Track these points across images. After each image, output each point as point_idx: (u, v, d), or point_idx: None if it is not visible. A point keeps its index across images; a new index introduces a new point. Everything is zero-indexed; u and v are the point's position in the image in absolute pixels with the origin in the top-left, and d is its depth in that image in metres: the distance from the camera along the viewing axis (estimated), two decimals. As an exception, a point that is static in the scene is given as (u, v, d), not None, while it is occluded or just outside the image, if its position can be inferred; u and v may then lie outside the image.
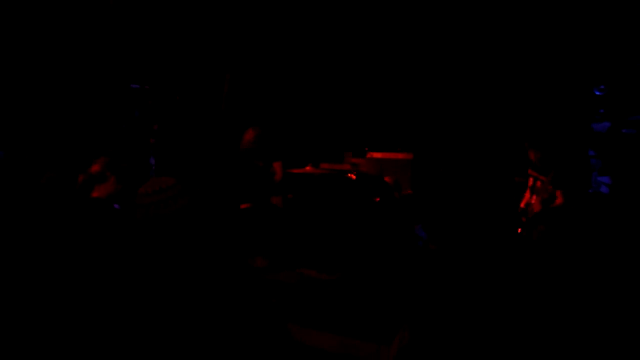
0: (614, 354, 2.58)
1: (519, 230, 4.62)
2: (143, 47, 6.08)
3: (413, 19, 5.97)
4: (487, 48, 5.91)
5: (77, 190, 2.57)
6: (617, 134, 5.46)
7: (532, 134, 5.20)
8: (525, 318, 2.90)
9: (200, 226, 2.24)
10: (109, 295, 1.88)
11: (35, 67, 5.43)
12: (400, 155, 5.60)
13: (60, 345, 1.80)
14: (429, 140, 6.10)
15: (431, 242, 3.75)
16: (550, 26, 5.57)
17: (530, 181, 4.65)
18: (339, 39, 6.20)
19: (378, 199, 4.47)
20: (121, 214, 2.39)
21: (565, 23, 5.52)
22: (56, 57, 5.54)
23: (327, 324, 2.19)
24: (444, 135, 6.13)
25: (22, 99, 5.34)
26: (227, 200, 2.74)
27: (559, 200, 4.36)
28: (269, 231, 2.70)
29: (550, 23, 5.56)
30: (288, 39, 6.24)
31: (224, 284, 1.97)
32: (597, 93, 5.59)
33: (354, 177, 5.51)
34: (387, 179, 4.70)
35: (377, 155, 5.61)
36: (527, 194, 4.70)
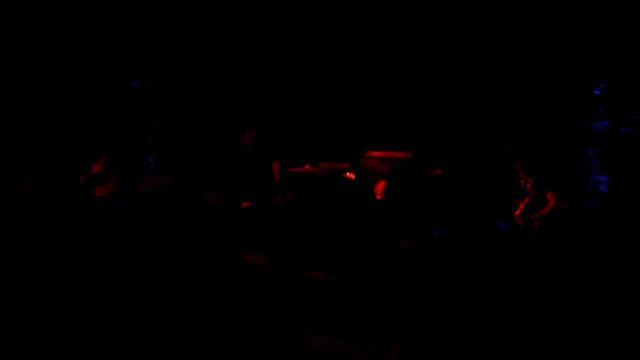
0: (614, 353, 2.59)
1: (518, 229, 4.64)
2: (141, 45, 6.07)
3: (412, 19, 5.97)
4: (486, 48, 5.91)
5: (79, 190, 2.57)
6: (616, 133, 5.47)
7: (530, 135, 5.22)
8: (525, 316, 2.90)
9: (200, 224, 2.24)
10: (109, 294, 1.88)
11: (33, 66, 5.41)
12: (399, 154, 5.60)
13: (60, 345, 1.80)
14: (427, 140, 6.10)
15: (404, 240, 3.74)
16: (550, 26, 5.57)
17: (522, 183, 4.67)
18: (338, 39, 6.19)
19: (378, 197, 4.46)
20: (122, 213, 2.39)
21: (564, 23, 5.53)
22: (54, 56, 5.52)
23: (328, 327, 2.19)
24: (442, 134, 6.13)
25: (19, 97, 5.32)
26: (227, 199, 2.73)
27: (550, 203, 4.39)
28: (269, 229, 2.70)
29: (550, 23, 5.56)
30: (288, 38, 6.23)
31: (223, 282, 1.97)
32: (597, 92, 5.60)
33: (352, 176, 5.52)
34: (382, 183, 4.68)
35: (377, 154, 5.60)
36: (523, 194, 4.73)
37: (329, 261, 2.69)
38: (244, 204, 2.75)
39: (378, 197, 4.46)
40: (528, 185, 4.50)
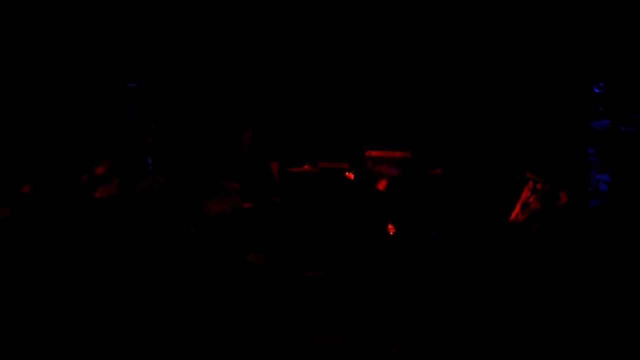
0: (614, 352, 2.59)
1: (517, 226, 4.64)
2: (140, 46, 6.06)
3: (411, 19, 5.96)
4: (486, 46, 5.90)
5: (81, 191, 2.59)
6: (617, 131, 5.46)
7: (530, 134, 5.21)
8: (524, 312, 2.90)
9: (198, 224, 2.22)
10: (110, 294, 1.87)
11: (32, 67, 5.40)
12: (397, 154, 5.59)
13: (61, 345, 1.79)
14: (427, 139, 6.09)
15: (403, 237, 3.74)
16: (550, 24, 5.57)
17: (530, 183, 4.66)
18: (337, 38, 6.19)
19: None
20: (122, 214, 2.38)
21: (564, 21, 5.52)
22: (53, 56, 5.51)
23: (330, 324, 2.19)
24: (442, 133, 6.12)
25: (18, 98, 5.31)
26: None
27: (562, 200, 4.39)
28: (269, 229, 2.69)
29: (550, 21, 5.56)
30: (286, 38, 6.22)
31: (223, 282, 1.96)
32: (597, 91, 5.59)
33: (351, 175, 5.51)
34: (383, 182, 4.69)
35: (375, 153, 5.60)
36: (526, 194, 4.71)
37: (328, 260, 2.68)
38: (245, 205, 2.73)
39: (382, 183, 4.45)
40: (538, 185, 4.49)
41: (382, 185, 4.51)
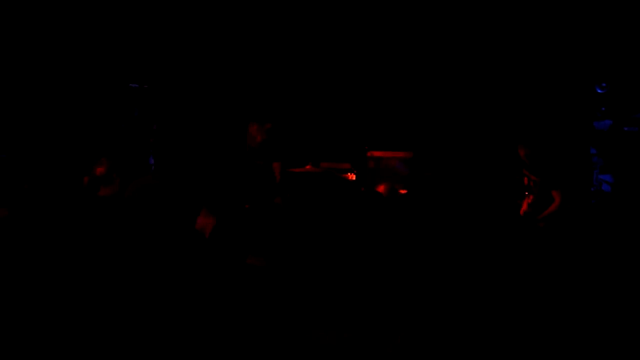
0: (614, 351, 2.58)
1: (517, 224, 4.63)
2: (142, 46, 6.06)
3: (412, 19, 5.96)
4: (488, 46, 5.89)
5: (83, 191, 2.60)
6: (619, 131, 5.45)
7: (524, 134, 5.20)
8: (525, 313, 2.89)
9: (199, 224, 2.22)
10: (111, 293, 1.87)
11: (34, 68, 5.41)
12: (399, 154, 5.59)
13: (62, 345, 1.79)
14: (428, 139, 6.09)
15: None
16: (552, 24, 5.56)
17: (525, 180, 4.65)
18: (339, 40, 6.19)
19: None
20: (124, 214, 2.38)
21: (566, 21, 5.51)
22: (55, 57, 5.52)
23: (328, 321, 2.18)
24: (443, 133, 6.11)
25: (21, 99, 5.32)
26: (228, 200, 2.73)
27: (556, 201, 4.34)
28: (269, 231, 2.68)
29: (552, 22, 5.55)
30: (289, 39, 6.22)
31: (223, 283, 1.96)
32: (599, 91, 5.58)
33: (353, 176, 5.50)
34: (383, 186, 4.66)
35: (378, 153, 5.59)
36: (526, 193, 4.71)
37: (327, 259, 2.67)
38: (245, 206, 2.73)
39: (382, 187, 4.45)
40: (532, 183, 4.46)
41: (382, 188, 4.50)
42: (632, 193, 5.22)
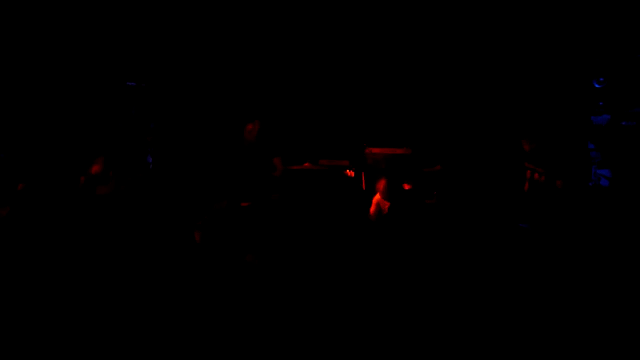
0: (614, 349, 2.58)
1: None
2: (139, 45, 6.05)
3: (408, 14, 5.95)
4: (486, 43, 5.89)
5: (80, 190, 2.59)
6: (617, 126, 5.44)
7: (531, 128, 5.20)
8: (525, 306, 2.89)
9: (199, 221, 2.22)
10: (109, 289, 1.87)
11: (32, 67, 5.39)
12: (398, 150, 5.58)
13: (61, 342, 1.79)
14: (428, 135, 6.08)
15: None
16: (550, 19, 5.55)
17: (528, 173, 4.66)
18: (337, 37, 6.17)
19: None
20: (122, 212, 2.38)
21: (564, 16, 5.50)
22: (52, 56, 5.51)
23: (332, 319, 2.18)
24: (442, 130, 6.11)
25: (18, 97, 5.31)
26: (228, 198, 2.73)
27: (560, 190, 4.40)
28: (266, 229, 2.68)
29: (550, 16, 5.54)
30: (287, 36, 6.21)
31: (220, 280, 1.96)
32: (597, 86, 5.57)
33: (352, 173, 5.50)
34: (383, 180, 4.65)
35: (376, 150, 5.58)
36: (526, 186, 4.71)
37: (326, 256, 2.67)
38: (243, 204, 2.74)
39: (379, 194, 4.46)
40: (536, 175, 4.50)
41: (381, 184, 4.50)
42: (631, 187, 5.22)
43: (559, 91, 5.69)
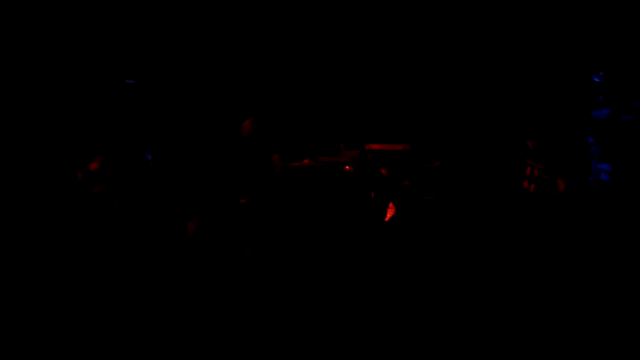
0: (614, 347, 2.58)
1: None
2: (138, 42, 6.04)
3: (408, 10, 5.94)
4: (485, 39, 5.87)
5: (78, 188, 2.58)
6: (617, 120, 5.44)
7: (530, 123, 5.20)
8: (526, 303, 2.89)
9: (199, 218, 2.22)
10: (109, 287, 1.87)
11: (29, 64, 5.38)
12: (398, 147, 5.57)
13: (60, 342, 1.79)
14: (427, 131, 6.07)
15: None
16: (549, 13, 5.54)
17: (528, 170, 4.65)
18: (336, 33, 6.17)
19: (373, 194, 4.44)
20: (120, 210, 2.37)
21: (563, 10, 5.49)
22: (50, 53, 5.50)
23: (332, 319, 2.18)
24: (441, 126, 6.10)
25: (15, 95, 5.30)
26: (226, 195, 2.72)
27: (561, 188, 4.39)
28: (266, 226, 2.67)
29: (549, 10, 5.53)
30: (286, 33, 6.20)
31: (220, 277, 1.96)
32: (596, 80, 5.56)
33: (351, 169, 5.49)
34: (382, 171, 4.66)
35: (375, 146, 5.57)
36: (525, 183, 4.71)
37: (326, 253, 2.66)
38: (242, 201, 2.73)
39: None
40: (536, 171, 4.49)
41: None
42: (631, 182, 5.21)
43: (558, 85, 5.68)
